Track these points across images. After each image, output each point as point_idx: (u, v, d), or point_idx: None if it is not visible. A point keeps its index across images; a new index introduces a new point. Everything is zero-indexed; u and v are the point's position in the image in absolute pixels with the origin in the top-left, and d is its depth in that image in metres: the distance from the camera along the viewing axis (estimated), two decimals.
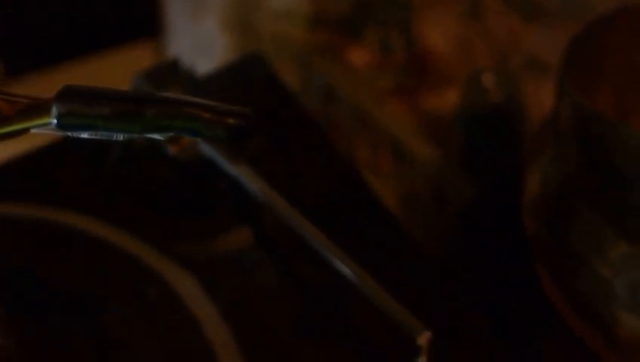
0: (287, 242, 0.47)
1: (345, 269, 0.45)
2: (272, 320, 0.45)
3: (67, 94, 0.35)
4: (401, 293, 0.47)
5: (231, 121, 0.35)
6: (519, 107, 0.65)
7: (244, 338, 0.44)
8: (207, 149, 0.50)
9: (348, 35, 0.69)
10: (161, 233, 0.48)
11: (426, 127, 0.67)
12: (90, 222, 0.48)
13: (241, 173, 0.48)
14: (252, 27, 0.70)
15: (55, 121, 0.35)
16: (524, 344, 0.55)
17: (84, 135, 0.36)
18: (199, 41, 0.72)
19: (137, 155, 0.51)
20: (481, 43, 0.68)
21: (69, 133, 0.35)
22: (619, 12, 0.54)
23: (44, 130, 0.36)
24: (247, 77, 0.56)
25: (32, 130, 0.36)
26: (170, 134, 0.34)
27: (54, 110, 0.35)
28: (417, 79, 0.68)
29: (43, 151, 0.52)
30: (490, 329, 0.49)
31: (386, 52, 0.68)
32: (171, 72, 0.54)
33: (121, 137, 0.34)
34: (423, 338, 0.42)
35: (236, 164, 0.49)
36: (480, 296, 0.54)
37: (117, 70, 0.59)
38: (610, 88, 0.56)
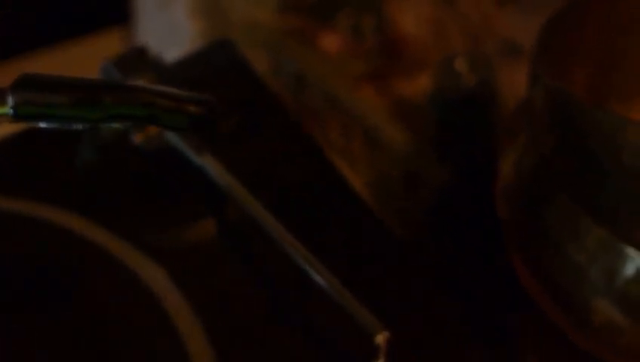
0: (251, 233, 0.47)
1: (303, 263, 0.44)
2: (239, 311, 0.45)
3: (23, 83, 0.34)
4: (371, 284, 0.47)
5: (192, 108, 0.35)
6: (493, 91, 0.64)
7: (212, 328, 0.44)
8: (172, 139, 0.49)
9: (319, 20, 0.68)
10: (127, 223, 0.47)
11: (399, 112, 0.66)
12: (55, 213, 0.47)
13: (205, 163, 0.47)
14: (222, 13, 0.69)
15: (11, 110, 0.34)
16: (498, 330, 0.54)
17: (42, 125, 0.35)
18: (169, 28, 0.71)
19: (103, 145, 0.50)
20: (455, 27, 0.67)
21: (27, 123, 0.34)
22: None
23: (1, 120, 0.35)
24: (215, 63, 0.56)
25: None
26: (130, 123, 0.34)
27: (10, 100, 0.34)
28: (390, 64, 0.67)
29: (6, 141, 0.51)
30: (462, 315, 0.49)
31: (357, 37, 0.67)
32: (139, 60, 0.53)
33: (80, 126, 0.34)
34: (381, 338, 0.41)
35: (200, 153, 0.48)
36: (451, 281, 0.54)
37: (86, 59, 0.58)
38: (585, 72, 0.56)
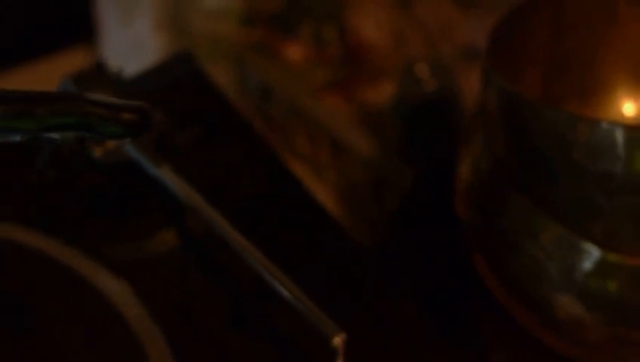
0: (211, 243, 0.47)
1: (262, 270, 0.44)
2: (200, 320, 0.45)
3: None
4: (330, 289, 0.47)
5: (125, 116, 0.35)
6: (454, 96, 0.64)
7: (174, 338, 0.44)
8: (131, 152, 0.49)
9: (281, 30, 0.68)
10: (87, 236, 0.47)
11: (364, 119, 0.66)
12: (13, 228, 0.47)
13: (163, 174, 0.48)
14: (185, 27, 0.70)
15: None
16: (462, 330, 0.55)
17: None
18: (132, 44, 0.72)
19: (63, 159, 0.50)
20: (415, 33, 0.68)
21: None
22: None
23: None
24: (175, 76, 0.56)
25: None
26: (69, 133, 0.34)
27: None
28: (353, 72, 0.68)
29: None
30: (426, 316, 0.49)
31: (320, 46, 0.68)
32: (98, 75, 0.53)
33: (18, 138, 0.34)
34: (338, 340, 0.42)
35: (159, 166, 0.48)
36: (415, 283, 0.54)
37: (50, 76, 0.58)
38: (538, 72, 0.56)
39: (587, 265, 0.49)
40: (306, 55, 0.68)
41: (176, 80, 0.56)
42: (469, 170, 0.54)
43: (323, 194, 0.63)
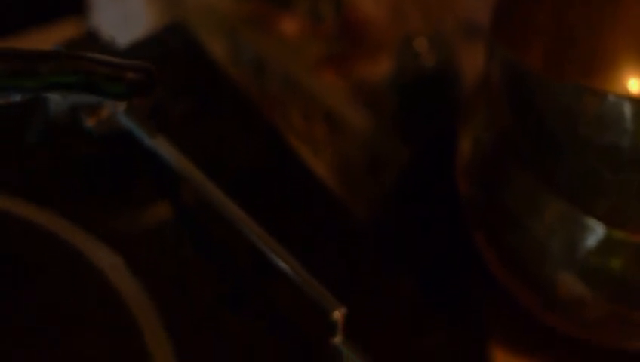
0: (206, 216, 0.46)
1: (260, 243, 0.43)
2: (195, 294, 0.44)
3: None
4: (330, 263, 0.46)
5: (130, 75, 0.34)
6: (453, 71, 0.63)
7: (167, 313, 0.43)
8: (125, 121, 0.48)
9: (276, 3, 0.67)
10: (79, 208, 0.46)
11: (360, 94, 0.65)
12: (5, 199, 0.46)
13: (158, 145, 0.46)
14: (178, 0, 0.68)
15: None
16: (461, 308, 0.54)
17: None
18: (124, 16, 0.70)
19: (52, 128, 0.49)
20: (414, 7, 0.67)
21: None
22: None
23: None
24: (168, 46, 0.55)
25: None
26: (69, 92, 0.33)
27: None
28: (349, 46, 0.67)
29: None
30: (425, 293, 0.48)
31: (316, 20, 0.67)
32: (90, 43, 0.52)
33: (18, 97, 0.33)
34: (338, 314, 0.41)
35: (154, 136, 0.47)
36: (414, 260, 0.53)
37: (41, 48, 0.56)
38: (543, 47, 0.55)
39: (591, 242, 0.48)
40: (301, 29, 0.67)
41: (169, 50, 0.54)
42: (470, 146, 0.52)
43: (318, 170, 0.62)
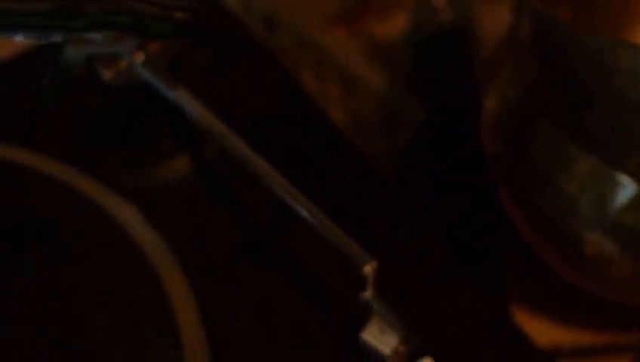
0: (228, 168, 0.44)
1: (287, 196, 0.42)
2: (217, 248, 0.43)
3: None
4: (356, 218, 0.45)
5: (178, 15, 0.33)
6: (472, 28, 0.62)
7: (189, 267, 0.42)
8: (143, 73, 0.46)
9: None
10: (98, 162, 0.45)
11: (374, 52, 0.64)
12: (21, 153, 0.44)
13: (179, 97, 0.45)
14: None
15: None
16: (486, 267, 0.53)
17: (19, 37, 0.32)
18: None
19: (70, 80, 0.47)
20: None
21: (3, 35, 0.32)
22: None
23: None
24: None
25: None
26: (112, 32, 0.31)
27: None
28: (363, 2, 0.65)
29: None
30: (450, 250, 0.47)
31: None
32: None
33: (59, 38, 0.31)
34: (369, 269, 0.39)
35: (174, 88, 0.45)
36: (439, 218, 0.52)
37: None
38: (568, 2, 0.54)
39: (621, 198, 0.47)
40: None
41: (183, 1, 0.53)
42: (495, 103, 0.51)
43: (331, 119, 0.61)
